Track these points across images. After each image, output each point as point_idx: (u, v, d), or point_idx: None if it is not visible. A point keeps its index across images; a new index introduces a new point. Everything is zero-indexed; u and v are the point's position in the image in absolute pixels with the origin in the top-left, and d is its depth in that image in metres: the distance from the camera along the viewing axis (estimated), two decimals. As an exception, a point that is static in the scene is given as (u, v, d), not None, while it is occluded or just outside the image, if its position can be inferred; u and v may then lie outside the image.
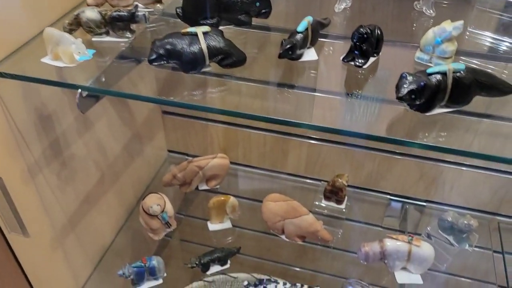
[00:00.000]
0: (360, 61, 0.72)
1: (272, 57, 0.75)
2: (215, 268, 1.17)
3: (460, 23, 0.68)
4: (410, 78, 0.60)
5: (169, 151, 1.44)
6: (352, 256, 1.18)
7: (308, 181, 1.34)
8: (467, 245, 1.13)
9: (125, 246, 1.21)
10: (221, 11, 0.77)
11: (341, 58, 0.74)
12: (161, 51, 0.66)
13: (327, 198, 1.22)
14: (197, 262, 1.14)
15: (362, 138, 0.66)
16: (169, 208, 1.17)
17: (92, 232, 1.10)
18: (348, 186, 1.29)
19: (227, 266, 1.19)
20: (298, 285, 1.07)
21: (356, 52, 0.72)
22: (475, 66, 0.67)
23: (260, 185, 1.40)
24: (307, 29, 0.72)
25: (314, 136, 1.26)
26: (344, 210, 1.21)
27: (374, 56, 0.74)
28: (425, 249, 1.07)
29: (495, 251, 1.19)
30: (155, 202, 1.13)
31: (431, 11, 0.85)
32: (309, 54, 0.74)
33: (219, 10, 0.76)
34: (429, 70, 0.61)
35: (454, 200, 1.26)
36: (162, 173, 1.34)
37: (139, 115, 1.23)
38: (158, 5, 0.84)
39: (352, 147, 1.26)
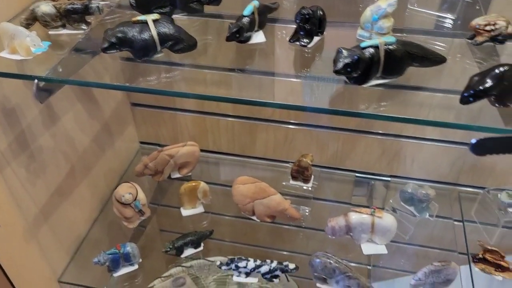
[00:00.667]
0: (305, 40, 0.76)
1: (224, 42, 0.79)
2: (189, 251, 1.21)
3: (393, 0, 0.73)
4: (345, 52, 0.64)
5: (141, 142, 1.47)
6: (325, 235, 1.22)
7: (277, 163, 1.39)
8: (427, 214, 1.19)
9: (101, 236, 1.24)
10: (173, 0, 0.80)
11: (288, 39, 0.78)
12: (113, 40, 0.69)
13: (294, 178, 1.27)
14: (170, 246, 1.17)
15: (321, 113, 0.70)
16: (142, 197, 1.20)
17: (66, 223, 1.13)
18: (316, 166, 1.34)
19: (201, 248, 1.23)
20: (268, 261, 1.12)
21: (301, 32, 0.76)
22: (407, 40, 0.71)
23: (231, 170, 1.44)
24: (253, 13, 0.76)
25: (279, 120, 1.30)
26: (310, 188, 1.26)
27: (319, 36, 0.78)
28: (387, 220, 1.12)
29: (455, 220, 1.26)
30: (127, 191, 1.17)
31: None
32: (258, 37, 0.78)
33: (170, -2, 0.80)
34: (362, 44, 0.65)
35: (416, 174, 1.32)
36: (135, 164, 1.37)
37: (107, 107, 1.25)
38: (112, -4, 0.87)
39: (316, 128, 1.30)
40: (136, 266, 1.15)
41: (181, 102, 1.33)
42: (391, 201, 1.23)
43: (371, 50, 0.65)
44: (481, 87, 0.60)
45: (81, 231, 1.20)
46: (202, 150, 1.34)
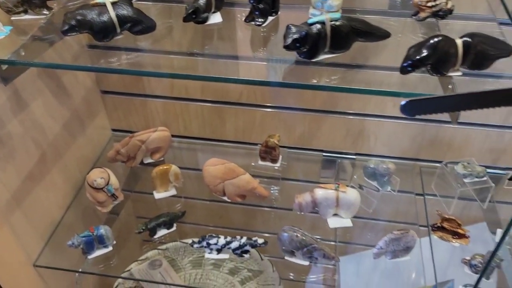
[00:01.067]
0: (259, 20, 0.80)
1: (183, 24, 0.82)
2: (162, 232, 1.25)
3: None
4: (293, 29, 0.69)
5: (113, 130, 1.49)
6: (297, 214, 1.27)
7: (247, 145, 1.43)
8: (389, 188, 1.24)
9: (75, 221, 1.27)
10: (134, -16, 0.83)
11: (243, 19, 0.82)
12: (73, 22, 0.72)
13: (262, 158, 1.31)
14: (143, 228, 1.21)
15: (279, 86, 0.74)
16: (114, 181, 1.23)
17: (39, 209, 1.15)
18: (284, 146, 1.39)
19: (174, 229, 1.26)
20: (238, 237, 1.16)
21: (256, 12, 0.80)
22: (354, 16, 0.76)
23: (203, 154, 1.47)
24: (209, -6, 0.79)
25: (246, 102, 1.34)
26: (279, 168, 1.31)
27: (273, 16, 0.82)
28: (351, 194, 1.18)
29: (417, 194, 1.32)
30: (99, 175, 1.20)
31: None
32: (215, 18, 0.82)
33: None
34: (309, 21, 0.69)
35: (379, 151, 1.38)
36: (108, 151, 1.39)
37: (77, 95, 1.27)
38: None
39: (283, 110, 1.35)
40: (110, 248, 1.18)
41: (151, 88, 1.36)
42: (355, 177, 1.29)
43: (318, 26, 0.69)
44: (417, 57, 0.65)
45: (55, 217, 1.23)
46: (173, 136, 1.38)
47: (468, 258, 1.14)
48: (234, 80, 0.74)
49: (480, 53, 0.67)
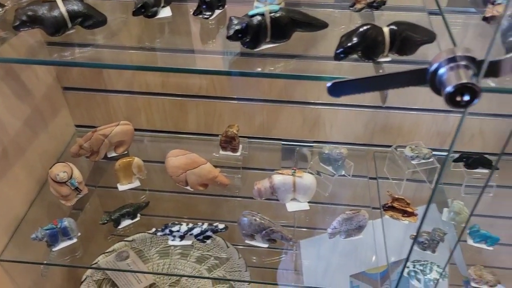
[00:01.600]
0: (207, 13, 0.85)
1: (134, 19, 0.86)
2: (126, 222, 1.28)
3: (280, -26, 0.83)
4: (235, 20, 0.73)
5: (77, 126, 1.51)
6: (260, 203, 1.32)
7: (208, 137, 1.47)
8: (343, 172, 1.31)
9: (40, 216, 1.28)
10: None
11: (192, 13, 0.86)
12: (24, 18, 0.75)
13: (223, 148, 1.36)
14: (107, 218, 1.24)
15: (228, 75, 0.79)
16: (77, 174, 1.26)
17: (2, 205, 1.17)
18: (245, 136, 1.44)
19: (138, 219, 1.30)
20: (200, 223, 1.21)
21: (203, 6, 0.85)
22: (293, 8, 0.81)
23: (166, 146, 1.50)
24: (158, -11, 0.84)
25: (206, 95, 1.38)
26: (239, 157, 1.36)
27: (220, 9, 0.86)
28: (307, 178, 1.24)
29: (370, 178, 1.39)
30: (61, 169, 1.22)
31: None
32: (164, 12, 0.86)
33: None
34: (250, 13, 0.74)
35: (335, 138, 1.44)
36: (71, 146, 1.41)
37: (37, 92, 1.29)
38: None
39: (242, 101, 1.40)
40: (75, 240, 1.21)
41: (112, 83, 1.39)
42: (311, 163, 1.35)
43: (259, 17, 0.74)
44: (349, 44, 0.71)
45: (19, 212, 1.25)
46: (136, 130, 1.41)
47: (414, 234, 1.21)
48: (183, 70, 0.78)
49: (406, 39, 0.73)
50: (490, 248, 1.19)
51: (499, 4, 0.80)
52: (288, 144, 1.48)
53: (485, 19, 0.80)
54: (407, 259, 0.91)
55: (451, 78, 0.53)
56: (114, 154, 1.39)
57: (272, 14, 0.75)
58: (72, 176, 1.24)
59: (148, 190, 1.38)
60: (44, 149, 1.33)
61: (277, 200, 1.26)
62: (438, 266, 1.11)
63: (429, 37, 0.75)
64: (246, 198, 1.38)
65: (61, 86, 1.41)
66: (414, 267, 1.13)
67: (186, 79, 1.35)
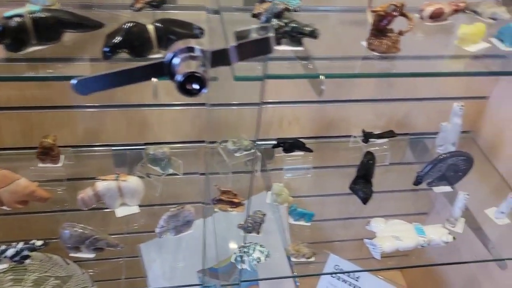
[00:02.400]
0: None
1: None
2: None
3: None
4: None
5: None
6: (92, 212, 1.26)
7: (25, 150, 1.37)
8: (171, 170, 1.33)
9: None
10: None
11: None
12: None
13: (42, 160, 1.28)
14: None
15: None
16: None
17: None
18: (69, 146, 1.37)
19: None
20: (14, 243, 1.12)
21: None
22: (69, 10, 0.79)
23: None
24: None
25: (18, 105, 1.29)
26: (61, 167, 1.29)
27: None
28: (132, 181, 1.23)
29: (201, 174, 1.43)
30: None
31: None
32: None
33: None
34: (6, 14, 0.71)
35: (167, 138, 1.45)
36: None
37: None
38: None
39: (59, 110, 1.33)
40: None
41: None
42: (140, 165, 1.34)
43: (18, 19, 0.71)
44: (113, 42, 0.72)
45: None
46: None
47: (242, 222, 1.28)
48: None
49: (173, 35, 0.76)
50: (308, 224, 1.30)
51: (265, 2, 0.88)
52: (118, 149, 1.45)
53: (254, 15, 0.87)
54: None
55: (181, 68, 0.56)
56: None
57: (33, 15, 0.72)
58: None
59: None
60: None
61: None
62: (261, 245, 1.18)
63: (194, 30, 0.79)
64: (75, 211, 1.32)
65: None
66: (240, 252, 1.19)
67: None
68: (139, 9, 0.88)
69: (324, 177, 1.51)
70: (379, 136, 1.47)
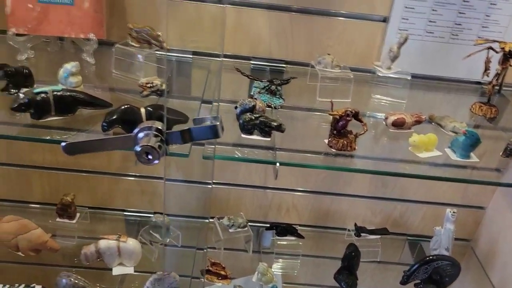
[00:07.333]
0: (11, 91, 1.01)
1: None
2: None
3: (76, 63, 1.04)
4: (22, 96, 0.90)
5: None
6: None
7: (54, 206, 1.56)
8: (168, 239, 1.45)
9: None
10: None
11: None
12: None
13: (60, 215, 1.46)
14: None
15: None
16: None
17: None
18: (85, 206, 1.55)
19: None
20: (16, 284, 1.26)
21: (9, 84, 1.01)
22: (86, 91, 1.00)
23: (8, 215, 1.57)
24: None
25: (49, 166, 1.50)
26: (75, 224, 1.46)
27: (28, 87, 1.03)
28: (131, 243, 1.36)
29: (198, 248, 1.53)
30: None
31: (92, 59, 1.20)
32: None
33: None
34: (34, 90, 0.92)
35: (173, 210, 1.59)
36: None
37: None
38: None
39: (83, 173, 1.53)
40: None
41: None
42: (142, 231, 1.48)
43: (43, 94, 0.92)
44: (110, 119, 0.90)
45: None
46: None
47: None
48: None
49: (159, 117, 0.94)
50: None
51: (253, 99, 1.05)
52: (130, 215, 1.60)
53: (236, 107, 1.03)
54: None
55: (142, 140, 0.72)
56: None
57: (55, 93, 0.93)
58: None
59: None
60: None
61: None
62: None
63: (183, 118, 0.97)
64: (76, 267, 1.45)
65: None
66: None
67: (30, 148, 1.47)
68: (146, 96, 1.07)
69: (313, 265, 1.56)
70: (372, 232, 1.52)
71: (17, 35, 1.15)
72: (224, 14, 1.18)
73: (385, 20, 1.28)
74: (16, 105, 0.90)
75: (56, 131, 0.95)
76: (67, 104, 0.95)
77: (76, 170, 1.53)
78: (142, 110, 0.92)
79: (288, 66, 1.32)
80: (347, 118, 0.92)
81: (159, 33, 1.15)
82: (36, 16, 1.14)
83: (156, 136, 0.73)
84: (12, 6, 1.13)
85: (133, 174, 1.54)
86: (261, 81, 1.15)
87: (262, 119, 0.95)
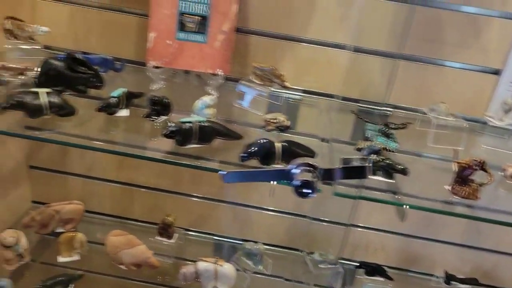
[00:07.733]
0: (154, 117, 1.12)
1: (99, 114, 1.12)
2: (58, 291, 1.40)
3: (214, 97, 1.13)
4: (173, 124, 1.00)
5: (34, 202, 1.69)
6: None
7: (151, 224, 1.65)
8: (260, 266, 1.50)
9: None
10: (66, 82, 1.13)
11: (142, 115, 1.13)
12: (12, 101, 1.00)
13: (160, 234, 1.54)
14: (41, 284, 1.36)
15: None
16: (24, 242, 1.40)
17: None
18: (182, 228, 1.63)
19: (69, 288, 1.42)
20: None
21: (152, 112, 1.12)
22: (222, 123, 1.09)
23: (111, 229, 1.67)
24: (120, 95, 1.11)
25: (152, 186, 1.61)
26: (173, 244, 1.54)
27: (165, 116, 1.14)
28: (227, 268, 1.42)
29: (286, 279, 1.56)
30: (10, 235, 1.37)
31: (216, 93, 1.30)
32: (122, 112, 1.13)
33: (64, 81, 1.13)
34: (182, 120, 1.02)
35: (262, 238, 1.64)
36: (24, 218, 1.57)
37: (5, 166, 1.49)
38: (20, 76, 1.18)
39: (181, 196, 1.62)
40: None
41: (73, 167, 1.61)
42: (235, 256, 1.53)
43: (189, 124, 1.01)
44: (249, 151, 0.98)
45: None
46: (88, 211, 1.59)
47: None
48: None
49: (292, 153, 1.00)
50: None
51: (368, 140, 1.10)
52: (219, 240, 1.67)
53: (358, 149, 1.09)
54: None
55: (299, 176, 0.78)
56: (61, 230, 1.54)
57: (199, 123, 1.02)
58: (19, 243, 1.38)
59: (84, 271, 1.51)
60: (-1, 217, 1.49)
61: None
62: None
63: (311, 153, 1.03)
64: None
65: (28, 165, 1.61)
66: None
67: (137, 169, 1.58)
68: (270, 131, 1.15)
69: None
70: (462, 281, 1.51)
71: (154, 67, 1.27)
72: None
73: (497, 72, 1.31)
74: (167, 132, 0.99)
75: (194, 158, 1.03)
76: (207, 134, 1.03)
77: (175, 192, 1.62)
78: (278, 145, 0.99)
79: (394, 110, 1.37)
80: (474, 168, 0.95)
81: (282, 73, 1.23)
82: (173, 52, 1.26)
83: (310, 171, 0.79)
84: (154, 42, 1.25)
85: (229, 201, 1.61)
86: (376, 124, 1.20)
87: (388, 162, 0.99)
